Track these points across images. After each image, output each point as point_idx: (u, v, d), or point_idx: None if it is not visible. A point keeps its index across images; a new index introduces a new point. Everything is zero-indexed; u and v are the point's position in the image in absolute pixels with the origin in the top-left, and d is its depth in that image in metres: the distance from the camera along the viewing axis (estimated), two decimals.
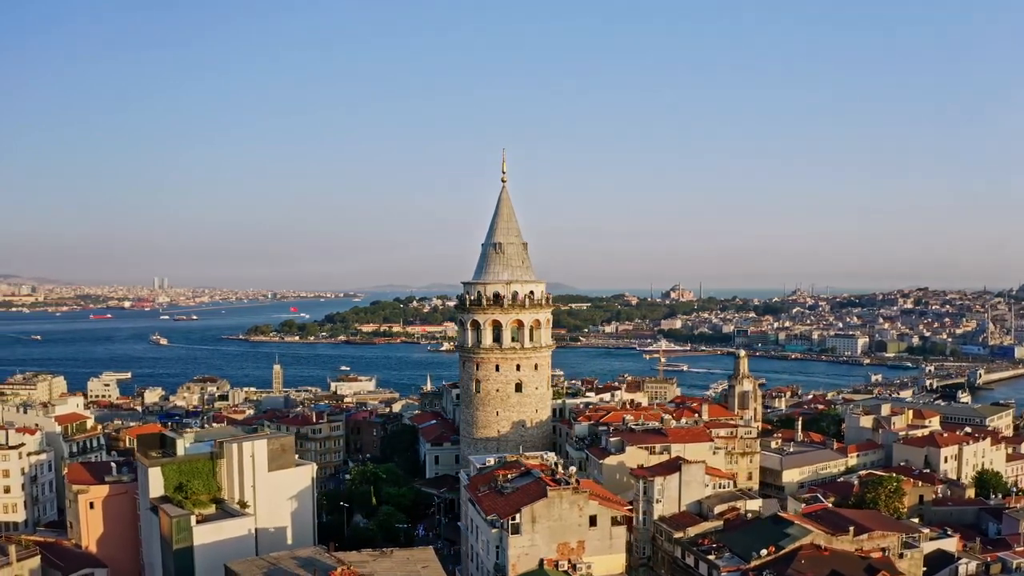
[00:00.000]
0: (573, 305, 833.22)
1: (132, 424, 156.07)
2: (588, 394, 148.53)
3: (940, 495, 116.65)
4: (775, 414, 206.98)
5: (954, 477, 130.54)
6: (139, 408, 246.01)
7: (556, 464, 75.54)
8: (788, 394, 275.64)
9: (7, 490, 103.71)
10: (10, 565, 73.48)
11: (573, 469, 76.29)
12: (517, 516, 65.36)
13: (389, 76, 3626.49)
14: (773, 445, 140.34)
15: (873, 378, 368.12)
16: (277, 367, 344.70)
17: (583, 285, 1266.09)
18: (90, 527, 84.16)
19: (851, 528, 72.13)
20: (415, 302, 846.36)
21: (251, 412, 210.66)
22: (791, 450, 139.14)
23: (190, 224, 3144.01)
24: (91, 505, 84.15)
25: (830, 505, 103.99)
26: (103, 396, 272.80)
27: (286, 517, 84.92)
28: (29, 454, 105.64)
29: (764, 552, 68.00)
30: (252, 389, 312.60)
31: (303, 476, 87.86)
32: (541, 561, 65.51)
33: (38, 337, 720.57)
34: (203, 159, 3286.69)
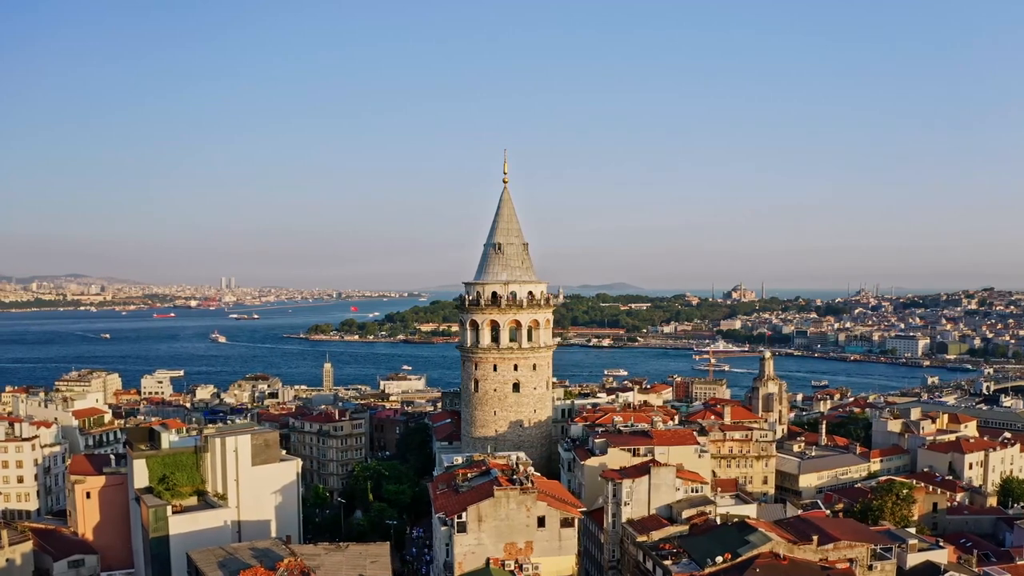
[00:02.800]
0: (633, 305, 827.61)
1: (152, 419, 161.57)
2: (600, 395, 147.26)
3: (957, 503, 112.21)
4: (811, 416, 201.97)
5: (979, 484, 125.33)
6: (188, 405, 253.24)
7: (517, 464, 75.36)
8: (836, 396, 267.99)
9: (20, 480, 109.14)
10: (2, 549, 77.68)
11: (532, 469, 76.05)
12: (463, 515, 65.60)
13: (459, 75, 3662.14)
14: (795, 448, 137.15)
15: (930, 380, 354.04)
16: (327, 365, 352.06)
17: (647, 285, 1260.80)
18: (86, 515, 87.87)
19: (815, 537, 70.02)
20: None
21: None
22: (812, 454, 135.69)
23: (258, 225, 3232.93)
24: (87, 495, 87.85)
25: (828, 512, 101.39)
26: (156, 393, 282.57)
27: (270, 510, 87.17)
28: (43, 446, 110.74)
29: (720, 559, 66.72)
30: (302, 387, 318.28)
31: (287, 471, 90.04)
32: (487, 560, 65.59)
33: (107, 335, 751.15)
34: (276, 160, 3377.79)
